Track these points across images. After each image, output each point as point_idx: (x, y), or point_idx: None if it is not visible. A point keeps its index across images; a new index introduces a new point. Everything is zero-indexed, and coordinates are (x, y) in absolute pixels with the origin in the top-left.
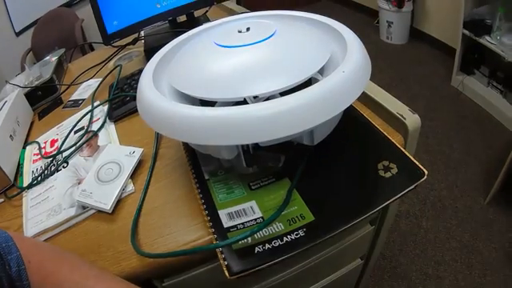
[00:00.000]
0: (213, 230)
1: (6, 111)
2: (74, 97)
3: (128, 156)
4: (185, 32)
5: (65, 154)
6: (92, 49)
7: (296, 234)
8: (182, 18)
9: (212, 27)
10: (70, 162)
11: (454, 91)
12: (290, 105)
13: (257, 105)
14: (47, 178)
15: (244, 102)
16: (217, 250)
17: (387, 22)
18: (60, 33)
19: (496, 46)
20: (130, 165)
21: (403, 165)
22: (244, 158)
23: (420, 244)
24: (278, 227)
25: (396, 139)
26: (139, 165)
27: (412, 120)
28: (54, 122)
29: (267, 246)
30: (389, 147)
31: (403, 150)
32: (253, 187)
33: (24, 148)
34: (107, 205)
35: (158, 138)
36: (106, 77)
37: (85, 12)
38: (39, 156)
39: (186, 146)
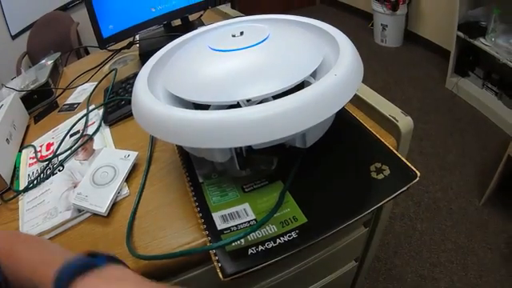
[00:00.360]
0: (207, 232)
1: (2, 115)
2: (70, 100)
3: (123, 159)
4: (179, 36)
5: (60, 157)
6: (87, 52)
7: (289, 236)
8: (177, 22)
9: (206, 31)
10: (66, 165)
11: (449, 93)
12: (283, 108)
13: (250, 108)
14: (43, 181)
15: (237, 105)
16: (210, 251)
17: (382, 24)
18: (55, 36)
19: (491, 47)
20: (124, 168)
21: (396, 166)
22: (237, 160)
23: (415, 246)
24: (270, 229)
25: (388, 141)
26: (134, 168)
27: (404, 122)
28: (49, 125)
29: (260, 247)
30: (381, 149)
31: (395, 151)
32: (246, 190)
33: (20, 151)
34: (102, 208)
35: (153, 141)
36: (101, 81)
37: (80, 16)
38: (35, 159)
39: (180, 149)
